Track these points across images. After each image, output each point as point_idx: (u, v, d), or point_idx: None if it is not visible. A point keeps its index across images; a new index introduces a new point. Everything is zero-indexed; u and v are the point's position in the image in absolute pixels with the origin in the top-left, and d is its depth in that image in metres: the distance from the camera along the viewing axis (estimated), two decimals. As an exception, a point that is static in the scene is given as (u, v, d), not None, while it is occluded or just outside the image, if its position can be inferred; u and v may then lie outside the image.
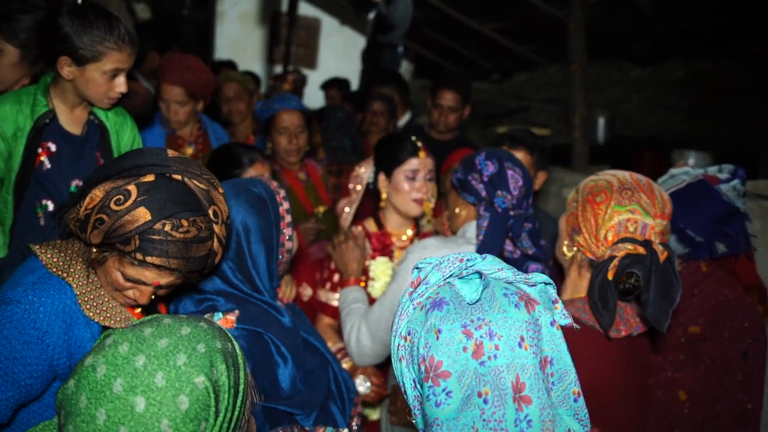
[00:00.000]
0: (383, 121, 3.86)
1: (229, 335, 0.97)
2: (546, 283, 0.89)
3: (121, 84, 1.85)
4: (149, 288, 1.22)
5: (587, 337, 1.40)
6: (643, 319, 1.44)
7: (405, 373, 0.89)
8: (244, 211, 1.50)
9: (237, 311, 1.45)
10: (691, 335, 1.74)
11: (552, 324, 0.86)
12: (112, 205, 1.14)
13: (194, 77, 2.69)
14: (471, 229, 1.81)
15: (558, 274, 2.03)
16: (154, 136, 2.75)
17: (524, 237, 1.74)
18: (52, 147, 1.91)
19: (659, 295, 1.31)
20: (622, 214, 1.40)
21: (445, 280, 0.90)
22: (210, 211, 1.20)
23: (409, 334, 0.88)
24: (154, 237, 1.13)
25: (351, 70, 7.20)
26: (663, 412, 1.77)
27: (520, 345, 0.82)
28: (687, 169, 1.85)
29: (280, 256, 1.58)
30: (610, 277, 1.33)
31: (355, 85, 6.23)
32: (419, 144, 2.08)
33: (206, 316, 1.42)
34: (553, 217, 2.48)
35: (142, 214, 1.12)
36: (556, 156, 4.63)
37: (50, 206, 1.92)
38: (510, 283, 0.89)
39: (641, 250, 1.35)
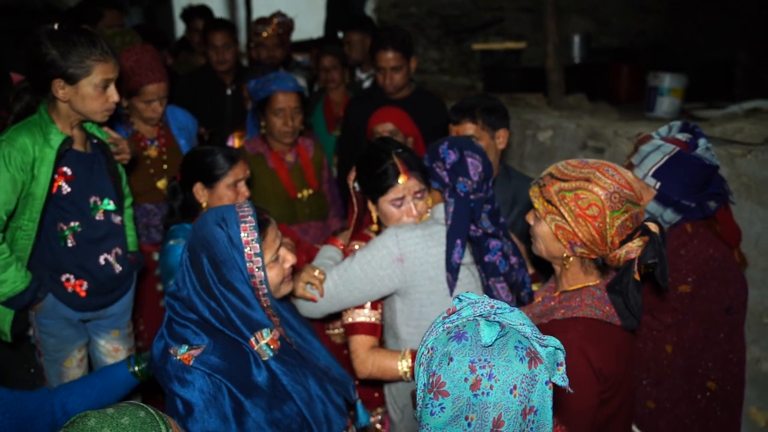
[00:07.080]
0: (337, 75, 3.73)
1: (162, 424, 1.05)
2: (557, 348, 1.02)
3: (113, 94, 1.94)
4: None
5: (606, 333, 1.50)
6: None
7: (420, 377, 1.07)
8: (205, 250, 1.50)
9: (203, 346, 1.49)
10: (680, 294, 1.85)
11: (546, 383, 1.01)
12: None
13: (165, 65, 2.66)
14: (438, 211, 1.90)
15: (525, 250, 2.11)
16: None
17: (484, 218, 1.84)
18: (68, 171, 2.00)
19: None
20: (620, 218, 1.46)
21: (474, 317, 1.04)
22: None
23: (432, 349, 1.05)
24: None
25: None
26: (651, 367, 1.91)
27: (511, 392, 0.97)
28: (657, 143, 1.87)
29: (256, 289, 1.52)
30: (637, 278, 1.44)
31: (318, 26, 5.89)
32: (400, 167, 1.86)
33: (173, 347, 1.50)
34: (528, 178, 2.45)
35: None
36: (530, 82, 4.56)
37: (79, 227, 2.02)
38: (526, 337, 1.02)
39: (646, 238, 1.44)
